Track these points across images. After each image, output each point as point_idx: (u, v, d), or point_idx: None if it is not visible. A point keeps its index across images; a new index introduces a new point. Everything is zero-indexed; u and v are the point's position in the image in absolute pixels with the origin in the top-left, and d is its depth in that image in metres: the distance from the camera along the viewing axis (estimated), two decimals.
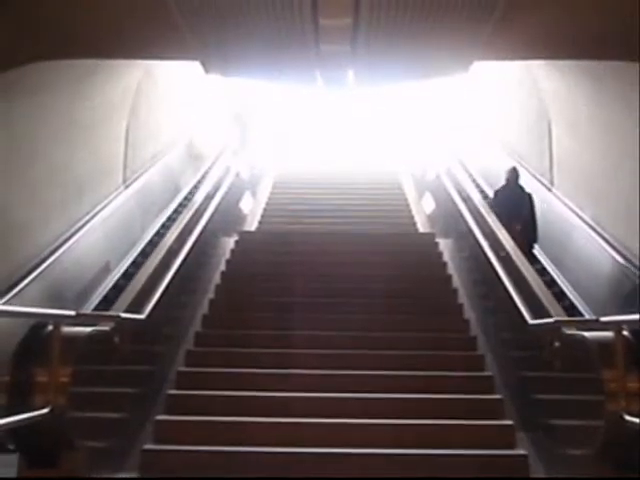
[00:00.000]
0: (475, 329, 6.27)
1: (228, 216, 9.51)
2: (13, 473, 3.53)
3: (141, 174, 8.48)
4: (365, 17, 4.57)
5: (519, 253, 6.33)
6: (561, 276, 7.41)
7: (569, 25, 5.06)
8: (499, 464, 4.17)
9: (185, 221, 7.34)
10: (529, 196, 7.73)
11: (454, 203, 8.73)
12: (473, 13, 4.54)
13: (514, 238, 6.66)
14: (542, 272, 7.17)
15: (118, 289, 6.47)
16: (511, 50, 5.79)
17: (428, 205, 10.91)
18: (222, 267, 7.73)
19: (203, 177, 10.43)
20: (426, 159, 12.24)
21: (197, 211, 7.85)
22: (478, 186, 9.77)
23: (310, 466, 4.06)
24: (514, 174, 7.93)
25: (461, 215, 8.16)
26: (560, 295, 6.72)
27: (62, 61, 5.58)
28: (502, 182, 8.14)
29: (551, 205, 8.00)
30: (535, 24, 5.04)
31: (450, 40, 5.06)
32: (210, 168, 10.62)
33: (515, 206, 7.52)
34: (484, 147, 10.78)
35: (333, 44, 5.06)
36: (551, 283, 7.01)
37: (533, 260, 7.09)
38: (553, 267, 7.58)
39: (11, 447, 3.50)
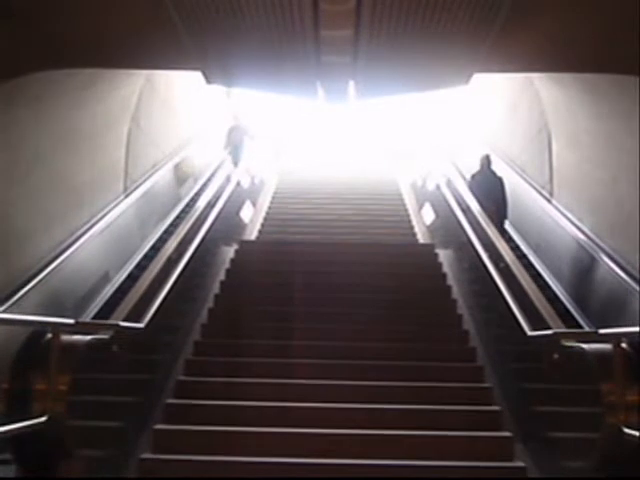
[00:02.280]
0: (474, 340, 6.26)
1: (228, 225, 9.51)
2: None
3: (142, 183, 8.50)
4: (366, 29, 4.60)
5: (518, 264, 6.34)
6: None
7: (569, 38, 5.09)
8: (497, 476, 4.16)
9: (185, 230, 7.35)
10: (500, 180, 8.70)
11: (454, 214, 8.74)
12: (473, 26, 4.57)
13: (488, 215, 7.80)
14: (514, 249, 7.79)
15: (117, 298, 6.47)
16: (511, 62, 5.82)
17: (428, 216, 10.91)
18: (221, 276, 7.73)
19: (204, 186, 10.47)
20: (426, 170, 12.26)
21: (197, 220, 7.86)
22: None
23: (307, 476, 4.06)
24: (487, 161, 8.93)
25: (461, 226, 8.18)
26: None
27: (63, 70, 5.61)
28: (498, 187, 8.76)
29: (551, 216, 8.04)
30: (535, 37, 5.07)
31: (451, 52, 5.08)
32: (211, 177, 10.65)
33: (488, 188, 8.56)
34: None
35: (334, 55, 5.08)
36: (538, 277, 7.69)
37: (504, 233, 8.19)
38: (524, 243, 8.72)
39: (8, 456, 3.49)
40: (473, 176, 9.07)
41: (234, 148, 12.46)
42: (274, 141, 16.00)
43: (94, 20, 4.91)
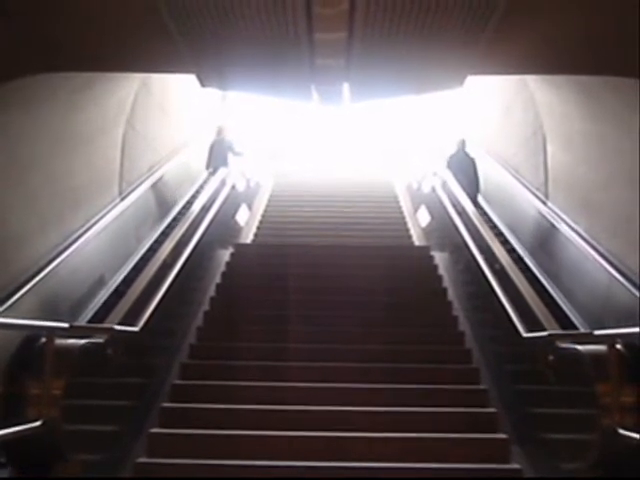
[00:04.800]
0: (470, 342, 6.27)
1: (224, 228, 9.51)
2: None
3: (137, 186, 8.50)
4: (359, 32, 4.60)
5: (514, 266, 6.35)
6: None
7: (564, 40, 5.09)
8: (493, 478, 4.16)
9: (180, 233, 7.34)
10: (473, 160, 10.19)
11: (449, 216, 8.76)
12: (467, 28, 4.57)
13: (463, 189, 9.11)
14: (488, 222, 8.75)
15: (112, 302, 6.45)
16: (506, 65, 5.83)
17: (423, 218, 10.93)
18: (217, 279, 7.73)
19: (200, 189, 10.46)
20: (422, 172, 12.28)
21: (193, 223, 7.85)
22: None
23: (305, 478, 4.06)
24: (462, 144, 10.43)
25: (456, 228, 8.20)
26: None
27: (58, 73, 5.60)
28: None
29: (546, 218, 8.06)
30: (530, 39, 5.07)
31: (445, 55, 5.09)
32: (203, 185, 10.62)
33: (463, 166, 10.04)
34: (480, 160, 10.83)
35: (328, 58, 5.08)
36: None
37: (477, 206, 9.32)
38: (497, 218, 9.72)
39: (2, 460, 3.49)
40: (451, 156, 10.51)
41: (218, 166, 10.77)
42: (269, 145, 15.96)
43: (89, 24, 4.91)
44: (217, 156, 11.10)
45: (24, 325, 3.88)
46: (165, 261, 6.44)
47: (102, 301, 6.88)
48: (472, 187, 9.77)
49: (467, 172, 9.99)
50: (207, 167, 11.14)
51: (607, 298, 6.25)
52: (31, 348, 3.61)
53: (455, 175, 9.78)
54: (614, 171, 6.52)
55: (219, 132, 11.63)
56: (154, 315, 5.26)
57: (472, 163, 10.18)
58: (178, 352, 6.01)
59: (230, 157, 11.35)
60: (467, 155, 10.37)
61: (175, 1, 4.27)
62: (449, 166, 10.25)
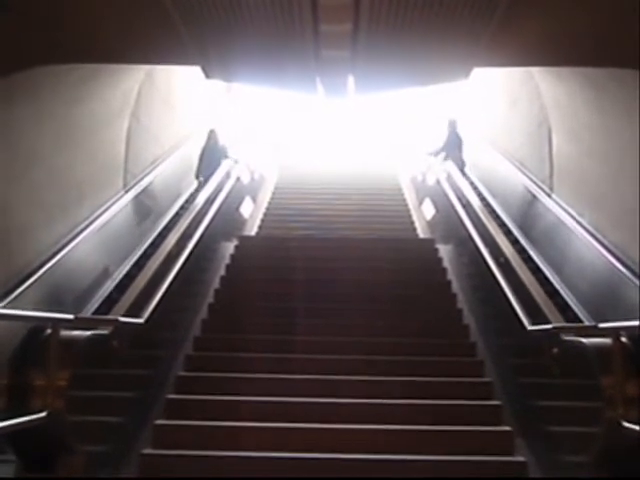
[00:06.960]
0: (475, 335, 6.27)
1: (228, 220, 9.51)
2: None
3: (141, 179, 8.50)
4: (365, 23, 4.59)
5: (518, 259, 6.34)
6: None
7: (569, 32, 5.07)
8: (497, 471, 4.17)
9: (185, 225, 7.35)
10: (461, 139, 11.59)
11: (454, 209, 8.74)
12: (473, 19, 4.56)
13: (454, 161, 10.71)
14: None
15: (117, 294, 6.47)
16: (511, 57, 5.80)
17: (428, 211, 10.92)
18: (222, 272, 7.73)
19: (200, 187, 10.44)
20: (426, 164, 12.26)
21: (197, 215, 7.86)
22: (475, 189, 9.95)
23: (309, 471, 4.06)
24: (454, 125, 11.75)
25: (461, 221, 8.18)
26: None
27: (62, 65, 5.60)
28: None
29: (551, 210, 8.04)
30: (535, 31, 5.06)
31: (450, 46, 5.07)
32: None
33: (454, 145, 11.50)
34: (484, 153, 10.80)
35: (333, 50, 5.07)
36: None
37: (465, 175, 10.41)
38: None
39: (8, 452, 3.50)
40: (448, 136, 11.75)
41: (210, 174, 9.51)
42: (273, 137, 15.92)
43: (92, 15, 4.90)
44: (208, 163, 9.96)
45: (29, 316, 3.89)
46: (170, 253, 6.45)
47: (107, 293, 6.89)
48: (458, 161, 11.16)
49: (456, 148, 11.44)
50: (197, 176, 10.04)
51: (610, 289, 6.24)
52: (36, 339, 3.62)
53: (449, 153, 11.23)
54: (620, 163, 6.49)
55: (210, 136, 10.57)
56: (159, 307, 5.27)
57: (460, 142, 11.53)
58: (183, 344, 6.02)
59: (224, 165, 10.21)
60: (457, 135, 11.69)
61: None
62: (445, 144, 11.59)
